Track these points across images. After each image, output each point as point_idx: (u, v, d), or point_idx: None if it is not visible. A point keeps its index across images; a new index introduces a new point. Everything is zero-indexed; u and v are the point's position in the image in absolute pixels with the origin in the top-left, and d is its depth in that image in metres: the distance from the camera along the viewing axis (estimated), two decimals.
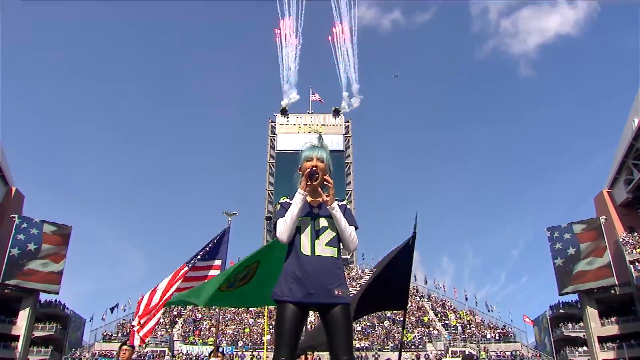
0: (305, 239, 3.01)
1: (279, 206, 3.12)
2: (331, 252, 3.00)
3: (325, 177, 3.04)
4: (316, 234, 3.02)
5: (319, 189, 3.07)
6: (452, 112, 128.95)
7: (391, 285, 5.18)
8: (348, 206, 3.16)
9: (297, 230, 3.02)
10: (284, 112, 72.57)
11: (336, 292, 2.93)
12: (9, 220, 43.67)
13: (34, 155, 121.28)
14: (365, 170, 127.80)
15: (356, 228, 3.12)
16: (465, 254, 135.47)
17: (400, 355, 6.38)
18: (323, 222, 3.04)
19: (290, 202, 3.03)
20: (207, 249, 8.54)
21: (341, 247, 3.09)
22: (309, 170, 3.00)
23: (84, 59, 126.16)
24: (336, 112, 72.96)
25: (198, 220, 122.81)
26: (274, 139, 71.46)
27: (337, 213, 3.01)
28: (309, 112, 74.21)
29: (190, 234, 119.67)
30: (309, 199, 3.06)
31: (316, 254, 2.97)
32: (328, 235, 3.03)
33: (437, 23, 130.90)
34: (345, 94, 71.34)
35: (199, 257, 8.42)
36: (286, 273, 2.99)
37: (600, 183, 51.02)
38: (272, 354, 2.91)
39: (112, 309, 47.55)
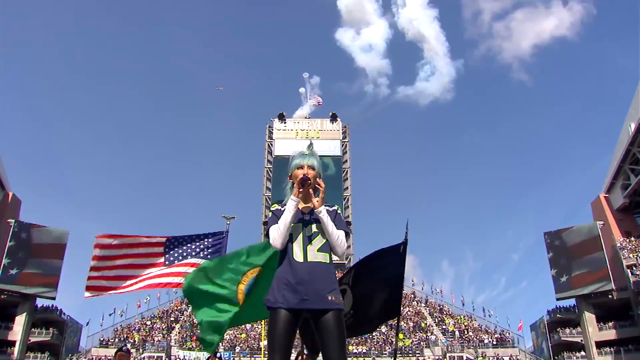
0: (297, 245, 3.04)
1: (270, 213, 3.15)
2: (323, 257, 3.03)
3: (317, 180, 3.08)
4: (308, 240, 3.04)
5: (311, 193, 3.11)
6: (447, 117, 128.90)
7: (385, 295, 5.14)
8: (339, 211, 3.20)
9: (289, 238, 3.04)
10: (282, 117, 72.67)
11: (329, 298, 2.95)
12: (5, 225, 43.49)
13: (31, 160, 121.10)
14: (362, 175, 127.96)
15: (347, 233, 3.15)
16: (466, 258, 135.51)
17: None
18: (314, 228, 3.07)
19: (281, 209, 3.07)
20: (201, 245, 7.99)
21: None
22: (301, 176, 3.03)
23: (82, 62, 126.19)
24: (333, 118, 73.05)
25: (195, 225, 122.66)
26: (272, 144, 71.45)
27: (325, 217, 3.04)
28: (306, 117, 74.32)
29: None
30: (300, 205, 3.09)
31: (308, 260, 3.00)
32: (319, 241, 3.05)
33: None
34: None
35: (190, 252, 7.87)
36: (279, 280, 3.01)
37: (599, 188, 51.14)
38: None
39: (111, 314, 47.64)
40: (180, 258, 7.74)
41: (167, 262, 7.64)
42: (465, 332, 47.17)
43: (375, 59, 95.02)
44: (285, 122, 72.47)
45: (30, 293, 43.11)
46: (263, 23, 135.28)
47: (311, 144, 3.28)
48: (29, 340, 42.62)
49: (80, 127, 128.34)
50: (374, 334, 45.80)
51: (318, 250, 3.03)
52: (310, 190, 3.10)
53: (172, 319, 49.49)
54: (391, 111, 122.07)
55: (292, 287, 2.94)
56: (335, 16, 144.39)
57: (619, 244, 45.02)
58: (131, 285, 7.42)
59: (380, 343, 44.67)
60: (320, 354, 3.02)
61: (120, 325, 48.00)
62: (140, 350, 43.18)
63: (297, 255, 3.01)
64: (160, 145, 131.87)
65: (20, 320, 42.41)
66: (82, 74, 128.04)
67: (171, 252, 7.72)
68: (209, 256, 7.81)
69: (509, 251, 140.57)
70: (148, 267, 7.57)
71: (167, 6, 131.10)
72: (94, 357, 42.38)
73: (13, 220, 44.09)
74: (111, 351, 38.70)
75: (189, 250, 7.82)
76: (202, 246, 7.90)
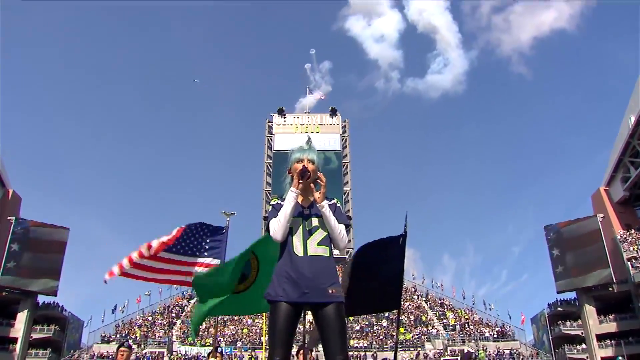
0: (297, 239, 3.03)
1: (270, 207, 3.15)
2: (323, 251, 3.03)
3: (318, 174, 3.08)
4: (308, 233, 3.04)
5: (312, 187, 3.11)
6: (450, 111, 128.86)
7: (384, 286, 5.15)
8: (338, 205, 3.20)
9: (289, 231, 3.04)
10: (281, 112, 72.59)
11: (330, 291, 2.95)
12: (6, 223, 43.56)
13: (31, 157, 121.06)
14: (363, 170, 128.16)
15: (347, 225, 3.15)
16: (467, 251, 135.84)
17: (395, 355, 6.35)
18: (314, 221, 3.07)
19: (281, 203, 3.06)
20: (204, 244, 7.89)
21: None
22: (300, 168, 3.03)
23: (81, 59, 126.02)
24: (333, 112, 72.95)
25: (195, 221, 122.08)
26: (271, 139, 71.36)
27: (327, 211, 3.04)
28: (306, 112, 74.24)
29: None
30: (300, 199, 3.08)
31: (309, 253, 3.00)
32: (320, 234, 3.05)
33: None
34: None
35: (198, 250, 7.76)
36: (279, 274, 3.01)
37: (599, 181, 51.14)
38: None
39: (112, 311, 47.86)
40: (190, 252, 7.62)
41: (174, 250, 7.49)
42: (466, 326, 47.32)
43: (387, 50, 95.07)
44: (284, 117, 72.39)
45: (32, 290, 43.22)
46: (264, 17, 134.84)
47: (309, 139, 3.28)
48: (31, 336, 42.80)
49: (80, 124, 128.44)
50: (374, 327, 46.00)
51: (318, 244, 3.03)
52: (312, 184, 3.10)
53: (173, 314, 49.64)
54: (394, 105, 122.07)
55: (293, 281, 2.93)
56: (344, 7, 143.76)
57: (619, 237, 45.09)
58: (155, 272, 7.26)
59: (381, 337, 44.81)
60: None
61: (122, 322, 48.17)
62: (142, 346, 43.32)
63: (297, 248, 3.01)
64: (160, 141, 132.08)
65: (21, 317, 42.57)
66: (81, 71, 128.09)
67: (184, 242, 7.58)
68: (212, 255, 7.72)
69: (509, 245, 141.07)
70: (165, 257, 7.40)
71: (168, 2, 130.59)
72: (96, 354, 42.51)
73: (13, 218, 44.15)
74: (113, 347, 38.85)
75: (194, 245, 7.71)
76: (204, 244, 7.83)
